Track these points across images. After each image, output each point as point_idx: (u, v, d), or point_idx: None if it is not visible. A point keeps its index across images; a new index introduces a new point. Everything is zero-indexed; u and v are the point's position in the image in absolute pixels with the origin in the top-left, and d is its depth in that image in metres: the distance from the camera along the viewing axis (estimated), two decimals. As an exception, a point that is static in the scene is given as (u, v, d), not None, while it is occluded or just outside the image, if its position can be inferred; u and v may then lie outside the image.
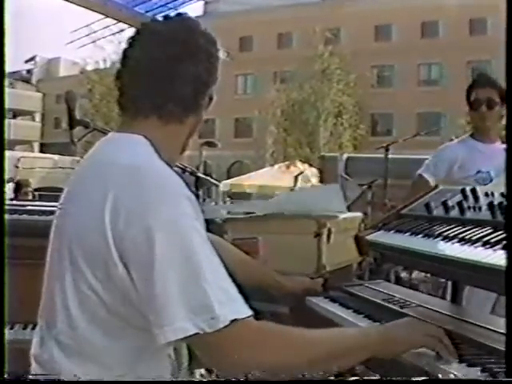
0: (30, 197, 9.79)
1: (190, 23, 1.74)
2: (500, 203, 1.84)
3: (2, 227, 1.78)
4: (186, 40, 1.68)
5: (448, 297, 2.91)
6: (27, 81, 59.22)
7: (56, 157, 19.38)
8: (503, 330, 1.79)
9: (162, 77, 1.64)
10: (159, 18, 1.77)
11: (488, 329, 1.87)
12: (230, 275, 1.47)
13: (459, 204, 2.04)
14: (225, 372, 1.50)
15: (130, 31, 1.78)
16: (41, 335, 1.59)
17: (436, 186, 2.47)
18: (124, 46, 1.71)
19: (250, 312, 1.44)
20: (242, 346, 1.43)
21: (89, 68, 43.47)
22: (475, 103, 4.11)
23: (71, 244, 1.51)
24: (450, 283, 3.07)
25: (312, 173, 15.01)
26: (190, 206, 1.47)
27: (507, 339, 1.42)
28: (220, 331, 1.38)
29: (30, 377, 1.54)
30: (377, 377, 1.92)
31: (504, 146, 4.16)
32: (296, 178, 10.32)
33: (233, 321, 1.39)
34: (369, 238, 2.32)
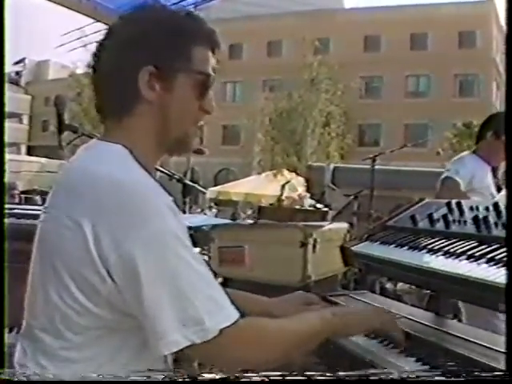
0: (17, 199, 9.73)
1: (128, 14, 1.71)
2: (485, 217, 1.85)
3: (2, 231, 1.77)
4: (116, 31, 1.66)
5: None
6: (16, 83, 58.99)
7: (43, 160, 19.30)
8: (485, 343, 1.82)
9: (104, 80, 1.64)
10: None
11: (468, 340, 1.88)
12: None
13: (444, 217, 2.05)
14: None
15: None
16: (24, 343, 1.57)
17: (421, 199, 2.48)
18: None
19: (237, 314, 1.46)
20: (232, 349, 1.48)
21: (79, 71, 43.30)
22: None
23: (54, 257, 1.49)
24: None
25: (299, 182, 14.99)
26: (170, 216, 1.45)
27: (507, 339, 1.43)
28: (210, 340, 1.41)
29: (30, 377, 1.52)
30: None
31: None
32: (283, 186, 10.31)
33: (222, 329, 1.42)
34: (354, 248, 2.33)
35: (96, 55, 1.67)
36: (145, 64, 1.58)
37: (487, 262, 1.62)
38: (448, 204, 2.12)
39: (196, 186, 3.83)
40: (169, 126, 1.64)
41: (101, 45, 1.67)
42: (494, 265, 1.58)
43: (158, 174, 3.23)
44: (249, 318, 1.51)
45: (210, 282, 1.47)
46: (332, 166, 13.00)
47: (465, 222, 1.98)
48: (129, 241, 1.39)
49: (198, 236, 4.20)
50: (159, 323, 1.40)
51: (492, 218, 1.84)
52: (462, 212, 2.04)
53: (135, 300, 1.42)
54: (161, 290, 1.40)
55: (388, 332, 1.84)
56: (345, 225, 4.60)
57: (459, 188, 4.17)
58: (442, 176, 4.34)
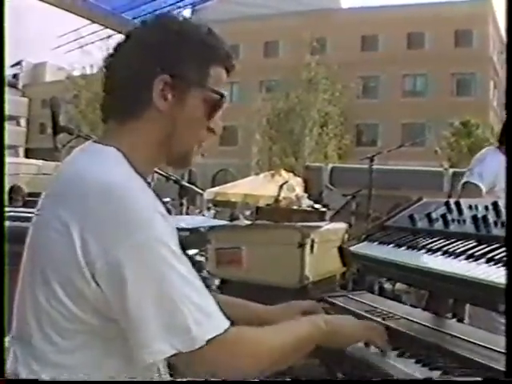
0: (21, 203, 9.70)
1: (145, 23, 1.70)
2: (484, 216, 1.84)
3: (2, 233, 1.76)
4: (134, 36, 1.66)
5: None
6: (13, 85, 58.98)
7: (40, 162, 19.28)
8: (483, 343, 1.81)
9: (117, 80, 1.62)
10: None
11: (468, 341, 1.87)
12: None
13: (443, 216, 2.03)
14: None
15: (118, 37, 1.76)
16: (15, 351, 1.55)
17: (420, 199, 2.46)
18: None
19: (226, 324, 1.45)
20: (219, 360, 1.45)
21: (75, 73, 43.32)
22: None
23: (42, 260, 1.48)
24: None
25: (297, 182, 14.97)
26: (159, 222, 1.43)
27: (507, 340, 1.42)
28: (197, 350, 1.39)
29: (30, 377, 1.50)
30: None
31: None
32: (281, 187, 10.30)
33: (210, 338, 1.40)
34: (352, 249, 2.31)
35: (112, 55, 1.66)
36: (161, 72, 1.57)
37: (486, 262, 1.60)
38: (447, 203, 2.11)
39: (193, 187, 3.82)
40: (173, 139, 1.63)
41: (119, 46, 1.66)
42: (494, 264, 1.57)
43: (156, 175, 3.21)
44: (238, 329, 1.49)
45: (199, 289, 1.45)
46: (330, 166, 13.01)
47: (464, 221, 1.96)
48: (116, 247, 1.37)
49: (195, 237, 4.19)
50: (144, 331, 1.39)
51: (491, 217, 1.82)
52: (460, 211, 2.02)
53: (121, 306, 1.40)
54: (146, 297, 1.38)
55: (375, 345, 1.83)
56: (343, 225, 4.59)
57: (481, 195, 3.91)
58: (464, 179, 4.10)
